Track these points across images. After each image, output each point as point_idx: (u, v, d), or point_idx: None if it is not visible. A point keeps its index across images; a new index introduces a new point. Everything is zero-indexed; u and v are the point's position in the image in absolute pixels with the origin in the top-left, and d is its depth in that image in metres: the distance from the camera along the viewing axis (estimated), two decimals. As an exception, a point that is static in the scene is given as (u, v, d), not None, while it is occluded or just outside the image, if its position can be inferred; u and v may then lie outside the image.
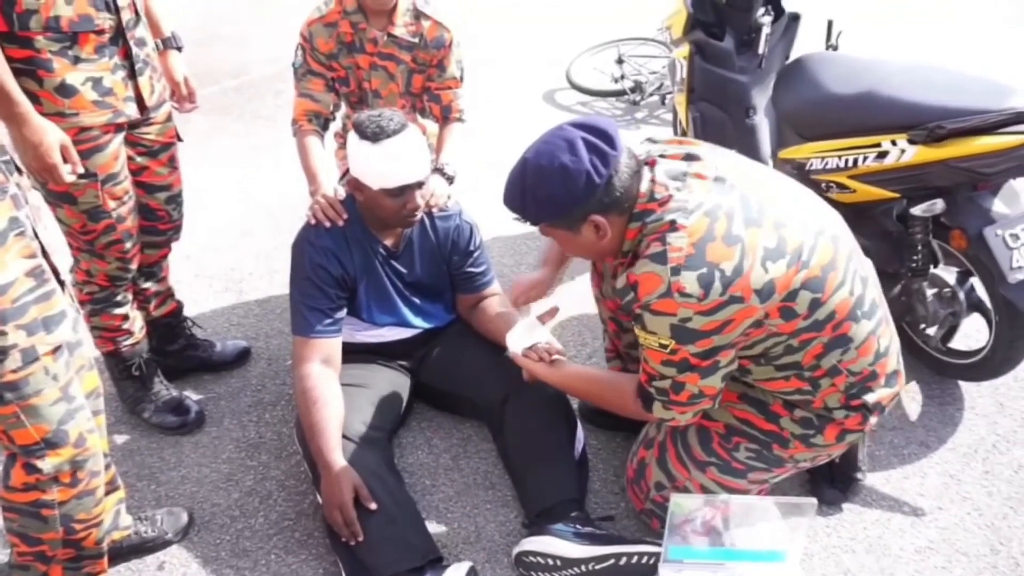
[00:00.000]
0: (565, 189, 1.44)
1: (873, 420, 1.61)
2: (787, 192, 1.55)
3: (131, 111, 1.86)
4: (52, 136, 1.66)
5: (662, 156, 1.54)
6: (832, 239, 1.50)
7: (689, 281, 1.38)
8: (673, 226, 1.41)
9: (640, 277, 1.42)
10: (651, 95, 4.41)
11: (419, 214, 1.89)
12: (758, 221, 1.43)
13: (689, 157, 1.52)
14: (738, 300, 1.39)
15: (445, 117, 2.38)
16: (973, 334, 2.39)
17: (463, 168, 2.31)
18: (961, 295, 2.14)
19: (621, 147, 1.45)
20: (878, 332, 1.55)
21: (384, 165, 1.77)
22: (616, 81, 4.48)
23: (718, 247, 1.39)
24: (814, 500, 1.54)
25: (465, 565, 1.67)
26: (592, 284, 1.97)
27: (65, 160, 1.69)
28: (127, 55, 1.83)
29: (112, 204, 1.88)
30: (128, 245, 1.97)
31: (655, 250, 1.41)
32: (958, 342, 2.30)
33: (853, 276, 1.51)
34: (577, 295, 2.64)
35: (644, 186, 1.48)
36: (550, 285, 1.96)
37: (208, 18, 6.11)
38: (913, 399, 2.23)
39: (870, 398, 1.57)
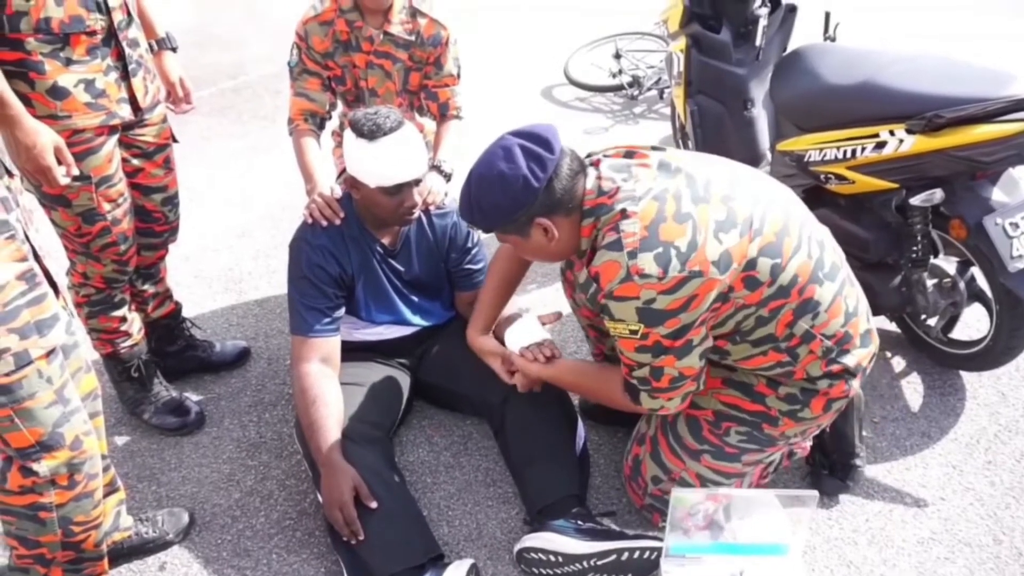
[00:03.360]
0: (505, 195, 1.47)
1: (855, 383, 1.63)
2: (733, 170, 1.58)
3: (125, 112, 1.86)
4: (45, 138, 1.65)
5: (605, 156, 1.59)
6: (782, 207, 1.53)
7: (647, 262, 1.40)
8: (624, 214, 1.44)
9: (600, 267, 1.45)
10: (649, 89, 4.41)
11: (416, 212, 1.88)
12: (705, 198, 1.46)
13: (629, 154, 1.57)
14: (697, 275, 1.41)
15: (442, 115, 2.37)
16: (974, 324, 2.38)
17: (460, 165, 2.30)
18: (961, 285, 2.13)
19: (560, 150, 1.49)
20: (843, 293, 1.57)
21: (381, 163, 1.76)
22: (614, 76, 4.48)
23: (670, 226, 1.42)
24: (815, 492, 1.53)
25: (466, 563, 1.67)
26: (565, 295, 1.98)
27: (59, 162, 1.69)
28: (120, 56, 1.83)
29: (107, 206, 1.87)
30: (124, 247, 1.96)
31: (610, 239, 1.45)
32: (959, 332, 2.30)
33: (808, 240, 1.53)
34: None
35: (591, 183, 1.52)
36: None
37: (204, 19, 6.11)
38: (915, 390, 2.23)
39: (849, 360, 1.59)
